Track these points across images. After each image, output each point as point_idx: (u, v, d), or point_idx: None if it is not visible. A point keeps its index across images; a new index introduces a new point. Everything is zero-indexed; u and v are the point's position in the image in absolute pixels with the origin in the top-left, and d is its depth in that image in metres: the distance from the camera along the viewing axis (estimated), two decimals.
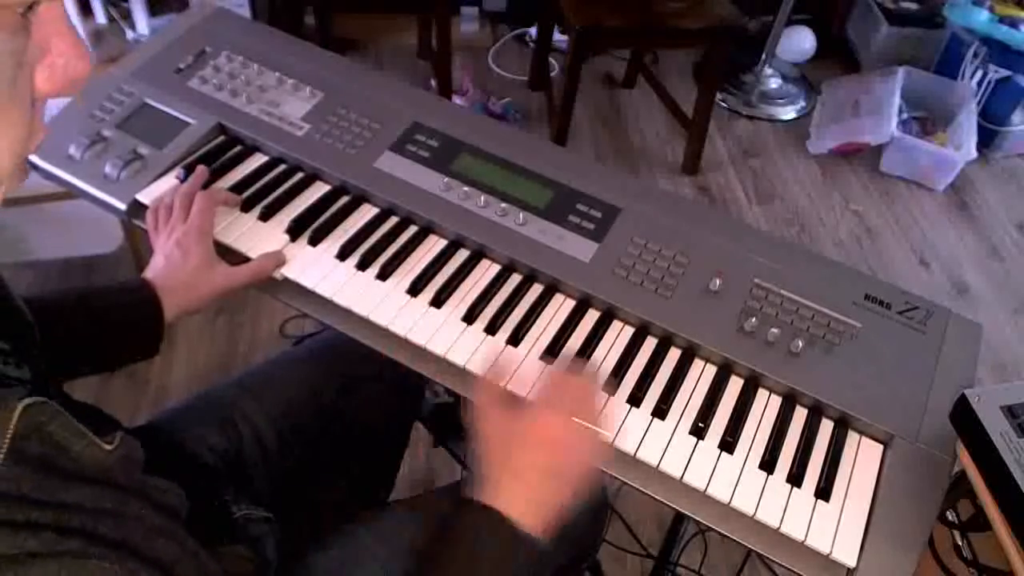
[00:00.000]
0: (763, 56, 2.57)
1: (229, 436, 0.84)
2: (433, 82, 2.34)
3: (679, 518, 1.20)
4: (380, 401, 0.97)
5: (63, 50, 0.38)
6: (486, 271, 0.83)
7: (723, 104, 2.58)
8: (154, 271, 0.76)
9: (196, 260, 0.76)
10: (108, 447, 0.45)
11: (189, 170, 0.86)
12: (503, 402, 0.62)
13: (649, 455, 0.69)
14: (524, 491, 0.56)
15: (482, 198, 0.85)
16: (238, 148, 0.92)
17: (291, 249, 0.82)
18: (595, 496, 0.91)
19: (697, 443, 0.71)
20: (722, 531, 0.67)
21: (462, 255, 0.84)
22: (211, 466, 0.81)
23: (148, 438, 0.55)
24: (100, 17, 2.39)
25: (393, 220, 0.86)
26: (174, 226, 0.79)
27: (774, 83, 2.63)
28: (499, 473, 0.57)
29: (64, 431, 0.42)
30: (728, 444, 0.71)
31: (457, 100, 2.38)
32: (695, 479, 0.68)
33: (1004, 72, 2.38)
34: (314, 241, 0.83)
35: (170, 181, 0.86)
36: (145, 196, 0.84)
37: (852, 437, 0.73)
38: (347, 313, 0.78)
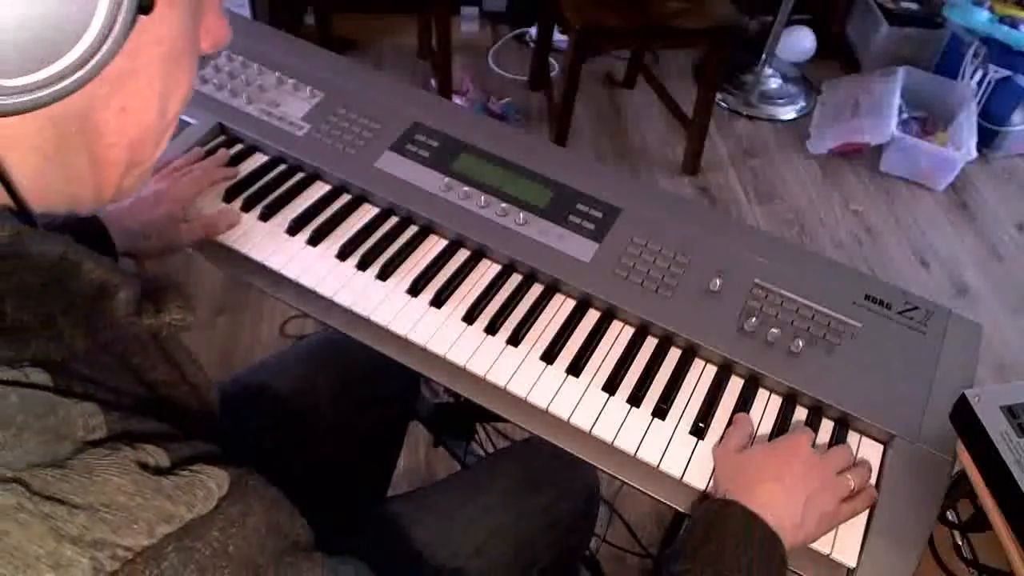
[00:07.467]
0: (763, 56, 2.56)
1: (223, 436, 0.84)
2: (433, 82, 2.34)
3: (679, 518, 1.20)
4: (376, 400, 0.97)
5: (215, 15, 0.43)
6: (486, 271, 0.83)
7: (723, 104, 2.58)
8: (117, 207, 0.78)
9: (158, 215, 0.80)
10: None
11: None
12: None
13: (649, 455, 0.69)
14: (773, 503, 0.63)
15: (482, 198, 0.85)
16: (238, 148, 0.92)
17: (291, 249, 0.82)
18: (587, 482, 0.90)
19: (697, 443, 0.71)
20: None
21: (462, 255, 0.84)
22: None
23: None
24: None
25: (393, 220, 0.86)
26: (166, 177, 0.83)
27: (774, 83, 2.63)
28: (748, 493, 0.63)
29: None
30: None
31: (457, 100, 2.38)
32: (695, 479, 0.68)
33: (1004, 72, 2.38)
34: (314, 241, 0.83)
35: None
36: None
37: (852, 437, 0.73)
38: (347, 313, 0.78)
